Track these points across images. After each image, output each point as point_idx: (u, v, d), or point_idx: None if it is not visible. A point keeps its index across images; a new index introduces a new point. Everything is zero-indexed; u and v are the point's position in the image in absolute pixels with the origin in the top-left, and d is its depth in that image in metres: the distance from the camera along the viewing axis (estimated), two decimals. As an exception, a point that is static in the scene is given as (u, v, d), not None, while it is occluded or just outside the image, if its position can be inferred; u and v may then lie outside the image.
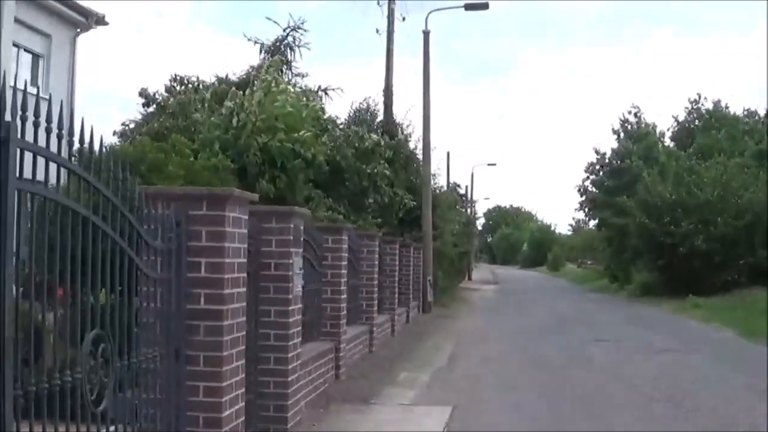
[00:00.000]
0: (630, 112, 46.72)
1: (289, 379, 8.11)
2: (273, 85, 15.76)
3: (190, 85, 16.80)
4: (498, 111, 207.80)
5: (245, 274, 6.45)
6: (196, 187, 6.49)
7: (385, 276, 17.52)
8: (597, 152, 46.69)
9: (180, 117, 15.42)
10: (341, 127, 21.17)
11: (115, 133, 17.37)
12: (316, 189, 18.52)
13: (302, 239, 8.71)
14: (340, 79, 74.34)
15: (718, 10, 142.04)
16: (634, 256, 36.47)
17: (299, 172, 15.63)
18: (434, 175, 29.92)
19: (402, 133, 26.83)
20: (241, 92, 15.87)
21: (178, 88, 16.94)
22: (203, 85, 17.07)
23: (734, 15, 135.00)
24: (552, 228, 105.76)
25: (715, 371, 12.67)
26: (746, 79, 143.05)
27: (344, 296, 11.86)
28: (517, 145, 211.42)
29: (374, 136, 19.76)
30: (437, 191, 30.21)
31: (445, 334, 18.54)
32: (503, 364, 13.64)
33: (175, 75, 16.74)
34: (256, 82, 16.08)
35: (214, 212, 5.92)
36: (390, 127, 25.80)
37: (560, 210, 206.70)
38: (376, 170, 18.48)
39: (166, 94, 17.11)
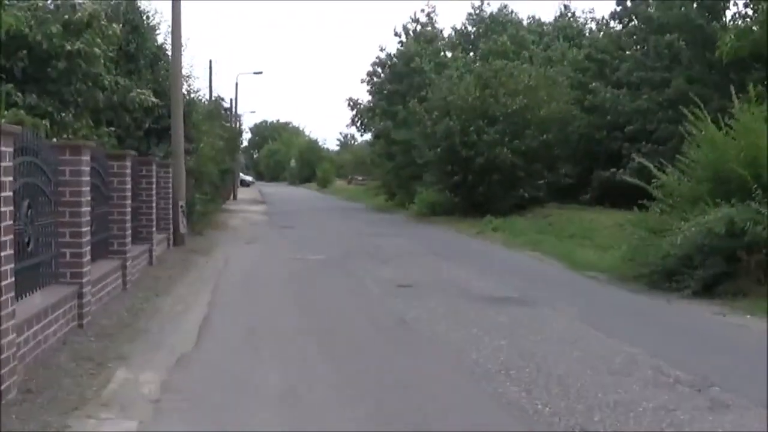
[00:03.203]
0: (423, 11, 42.97)
1: None
2: None
3: None
4: (267, 19, 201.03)
5: None
6: None
7: (111, 206, 12.37)
8: (381, 49, 42.11)
9: None
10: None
11: None
12: (9, 83, 13.05)
13: None
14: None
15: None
16: (418, 171, 32.71)
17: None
18: (189, 76, 24.44)
19: (147, 22, 21.18)
20: None
21: None
22: None
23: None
24: (320, 144, 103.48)
25: (602, 344, 8.87)
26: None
27: (6, 252, 6.65)
28: (287, 57, 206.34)
29: (91, 4, 13.90)
30: (192, 96, 24.65)
31: (199, 283, 13.64)
32: (280, 347, 8.81)
33: None
34: None
35: None
36: (134, 15, 20.06)
37: (328, 125, 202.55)
38: (78, 47, 12.78)
39: None
